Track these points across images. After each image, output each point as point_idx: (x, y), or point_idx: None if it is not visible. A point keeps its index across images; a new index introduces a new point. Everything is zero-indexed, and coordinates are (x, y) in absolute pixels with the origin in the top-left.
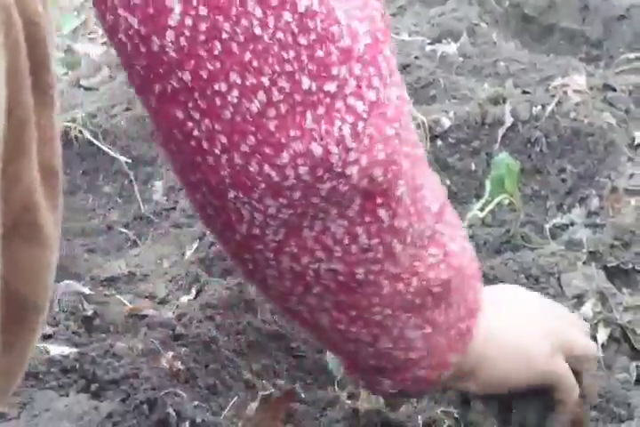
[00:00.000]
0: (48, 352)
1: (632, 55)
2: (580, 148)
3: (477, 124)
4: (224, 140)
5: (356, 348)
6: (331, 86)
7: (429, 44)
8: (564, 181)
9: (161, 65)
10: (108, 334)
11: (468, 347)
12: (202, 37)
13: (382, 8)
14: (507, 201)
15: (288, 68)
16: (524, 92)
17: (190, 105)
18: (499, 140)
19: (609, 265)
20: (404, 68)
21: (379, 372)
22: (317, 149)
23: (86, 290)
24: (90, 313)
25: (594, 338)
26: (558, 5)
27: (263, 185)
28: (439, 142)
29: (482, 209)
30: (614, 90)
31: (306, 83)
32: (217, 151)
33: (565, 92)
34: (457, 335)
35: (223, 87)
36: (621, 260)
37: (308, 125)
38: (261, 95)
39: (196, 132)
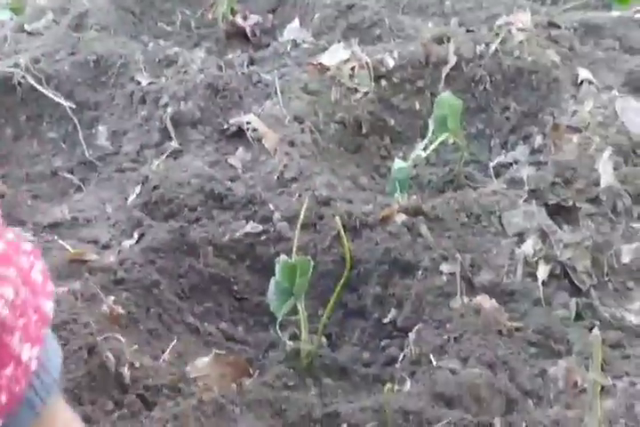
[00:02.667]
0: None
1: None
2: (523, 86)
3: (421, 63)
4: None
5: None
6: None
7: None
8: (507, 119)
9: None
10: None
11: None
12: None
13: None
14: (451, 140)
15: None
16: (468, 31)
17: None
18: (443, 79)
19: (550, 202)
20: (349, 8)
21: None
22: None
23: (29, 236)
24: None
25: (534, 275)
26: None
27: None
28: (383, 82)
29: (425, 148)
30: (559, 27)
31: None
32: None
33: (509, 31)
34: None
35: None
36: (562, 197)
37: None
38: None
39: None
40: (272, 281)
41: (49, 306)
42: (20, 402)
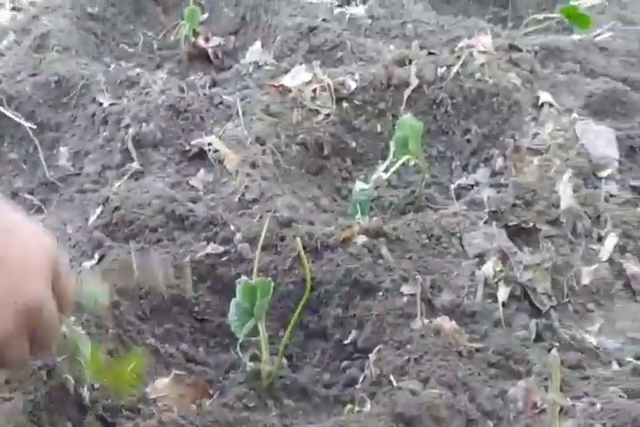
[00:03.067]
0: None
1: (539, 15)
2: (484, 108)
3: (383, 85)
4: None
5: None
6: None
7: (338, 6)
8: (468, 141)
9: None
10: None
11: None
12: None
13: None
14: (412, 162)
15: None
16: (430, 54)
17: None
18: (404, 101)
19: (510, 224)
20: (311, 30)
21: None
22: None
23: None
24: None
25: (494, 296)
26: None
27: None
28: (345, 104)
29: (387, 170)
30: (520, 50)
31: None
32: None
33: (471, 53)
34: None
35: None
36: (522, 218)
37: None
38: None
39: None
40: (233, 302)
41: None
42: None
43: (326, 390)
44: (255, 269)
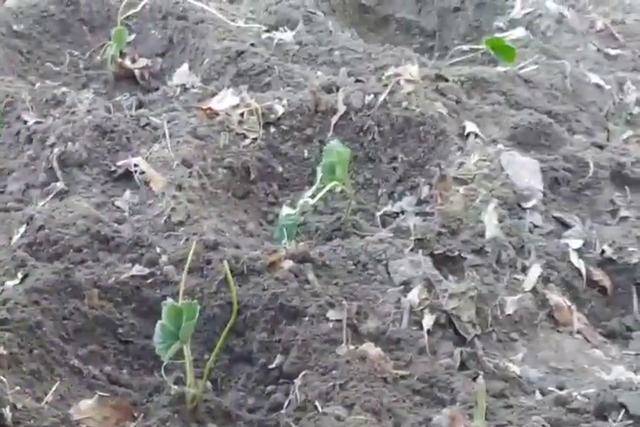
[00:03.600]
0: None
1: (465, 47)
2: (411, 136)
3: (310, 111)
4: None
5: None
6: None
7: (266, 31)
8: (395, 169)
9: None
10: None
11: None
12: None
13: None
14: (339, 188)
15: None
16: (358, 81)
17: None
18: (332, 127)
19: (436, 252)
20: (239, 55)
21: None
22: None
23: None
24: None
25: (419, 324)
26: None
27: None
28: (272, 129)
29: (313, 196)
30: (446, 80)
31: None
32: None
33: (398, 82)
34: None
35: None
36: (448, 247)
37: None
38: None
39: None
40: (158, 324)
41: None
42: None
43: (251, 415)
44: (181, 292)
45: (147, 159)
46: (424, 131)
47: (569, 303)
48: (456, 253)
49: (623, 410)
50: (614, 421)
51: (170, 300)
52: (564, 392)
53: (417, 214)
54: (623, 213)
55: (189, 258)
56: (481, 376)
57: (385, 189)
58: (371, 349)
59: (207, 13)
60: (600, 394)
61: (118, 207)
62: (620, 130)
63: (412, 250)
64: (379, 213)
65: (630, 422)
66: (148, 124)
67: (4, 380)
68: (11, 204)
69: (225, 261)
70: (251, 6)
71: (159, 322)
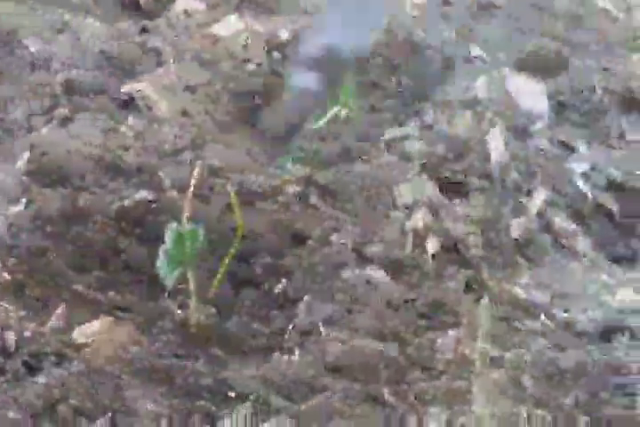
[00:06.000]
0: None
1: None
2: (416, 61)
3: None
4: None
5: None
6: None
7: None
8: (400, 94)
9: None
10: None
11: None
12: None
13: None
14: (343, 114)
15: None
16: None
17: None
18: None
19: (440, 177)
20: None
21: None
22: None
23: None
24: None
25: (424, 248)
26: None
27: None
28: (275, 54)
29: (318, 121)
30: (449, 3)
31: None
32: None
33: (404, 6)
34: None
35: None
36: (453, 171)
37: None
38: None
39: None
40: (161, 249)
41: None
42: None
43: (255, 340)
44: (184, 217)
45: (151, 85)
46: (429, 55)
47: (574, 227)
48: (461, 177)
49: (628, 332)
50: (620, 343)
51: (173, 224)
52: (569, 315)
53: (422, 139)
54: (630, 136)
55: (192, 183)
56: (486, 297)
57: (390, 115)
58: (375, 273)
59: None
60: (605, 317)
61: (123, 133)
62: (629, 54)
63: (416, 174)
64: (384, 139)
65: (636, 343)
66: (152, 50)
67: (9, 306)
68: (15, 130)
69: (229, 186)
70: None
71: (162, 246)
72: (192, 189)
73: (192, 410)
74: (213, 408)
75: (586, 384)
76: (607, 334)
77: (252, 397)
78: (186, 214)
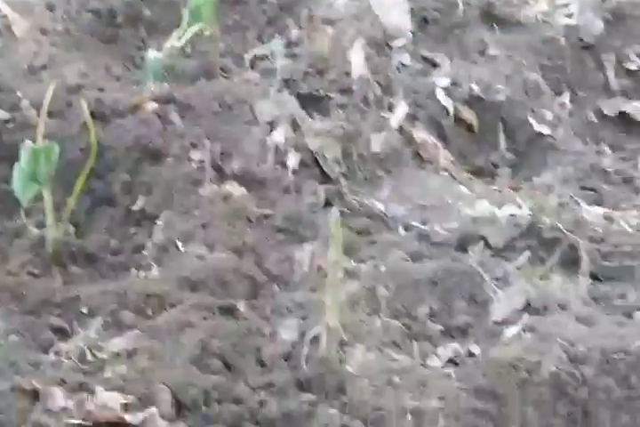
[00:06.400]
0: None
1: None
2: None
3: None
4: None
5: None
6: None
7: None
8: (264, 11)
9: None
10: None
11: None
12: None
13: None
14: (207, 32)
15: None
16: None
17: None
18: None
19: (302, 92)
20: None
21: None
22: None
23: None
24: None
25: (284, 163)
26: None
27: None
28: None
29: (180, 39)
30: None
31: None
32: None
33: None
34: None
35: None
36: (314, 87)
37: None
38: None
39: None
40: (16, 167)
41: None
42: None
43: (113, 257)
44: (39, 134)
45: (8, 3)
46: None
47: (435, 141)
48: (322, 92)
49: (483, 242)
50: (474, 253)
51: (28, 142)
52: (426, 227)
53: (286, 56)
54: (492, 51)
55: (47, 100)
56: (334, 208)
57: (254, 32)
58: (234, 188)
59: None
60: (461, 227)
61: None
62: None
63: (278, 90)
64: (247, 56)
65: (489, 252)
66: None
67: None
68: None
69: (84, 103)
70: None
71: (17, 164)
72: (46, 106)
73: (43, 326)
74: (64, 324)
75: (440, 294)
76: (463, 243)
77: (102, 312)
78: (41, 132)
